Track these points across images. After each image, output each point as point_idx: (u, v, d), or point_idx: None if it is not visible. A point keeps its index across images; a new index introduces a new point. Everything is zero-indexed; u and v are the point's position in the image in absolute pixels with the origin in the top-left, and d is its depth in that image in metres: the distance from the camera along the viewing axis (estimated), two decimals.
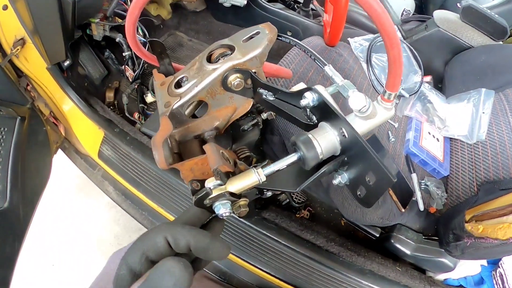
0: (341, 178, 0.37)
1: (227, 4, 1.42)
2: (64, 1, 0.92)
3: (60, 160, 1.25)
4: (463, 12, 1.19)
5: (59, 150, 1.23)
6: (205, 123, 0.50)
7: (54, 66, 1.06)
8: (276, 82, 0.86)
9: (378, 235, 0.95)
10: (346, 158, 0.36)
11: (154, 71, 0.59)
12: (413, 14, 1.73)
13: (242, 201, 0.37)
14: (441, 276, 0.90)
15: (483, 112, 1.03)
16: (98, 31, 1.22)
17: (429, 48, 1.27)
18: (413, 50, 1.21)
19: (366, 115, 0.41)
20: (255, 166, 0.41)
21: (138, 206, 0.98)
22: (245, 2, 1.39)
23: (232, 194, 0.35)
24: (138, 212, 0.98)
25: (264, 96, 0.45)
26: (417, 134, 1.03)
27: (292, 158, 0.36)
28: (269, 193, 0.39)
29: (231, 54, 0.46)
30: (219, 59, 0.48)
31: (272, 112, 0.58)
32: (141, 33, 1.23)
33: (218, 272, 0.85)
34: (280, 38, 0.53)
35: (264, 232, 0.82)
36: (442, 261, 0.84)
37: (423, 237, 0.88)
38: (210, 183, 0.35)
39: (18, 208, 0.90)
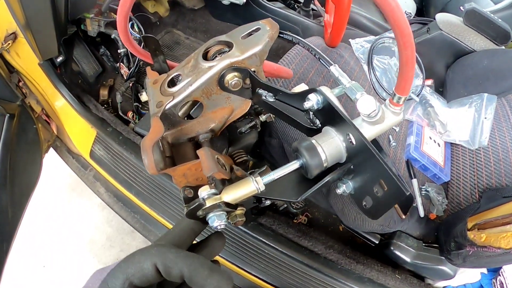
0: (346, 187, 0.35)
1: (225, 2, 1.39)
2: None
3: (52, 159, 1.22)
4: (466, 16, 1.18)
5: (51, 149, 1.20)
6: (200, 125, 0.47)
7: (46, 62, 1.03)
8: (275, 82, 0.83)
9: (377, 242, 0.92)
10: (352, 166, 0.33)
11: (148, 69, 0.56)
12: (414, 17, 1.71)
13: (239, 211, 0.34)
14: (440, 284, 0.89)
15: (485, 118, 1.01)
16: (92, 26, 1.19)
17: (431, 51, 1.25)
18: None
19: (374, 120, 0.38)
20: (252, 172, 0.39)
21: (130, 208, 0.95)
22: (244, 0, 1.36)
23: (227, 204, 0.32)
24: (130, 215, 0.95)
25: (263, 97, 0.42)
26: (418, 139, 1.01)
27: (293, 165, 0.33)
28: (268, 202, 0.37)
29: (229, 51, 0.43)
30: (216, 56, 0.45)
31: (271, 114, 0.55)
32: (137, 30, 1.19)
33: None
34: (282, 36, 0.50)
35: (261, 238, 0.79)
36: (442, 269, 0.83)
37: (423, 244, 0.87)
38: (204, 192, 0.32)
39: (6, 208, 0.87)
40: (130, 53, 1.25)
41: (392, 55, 1.18)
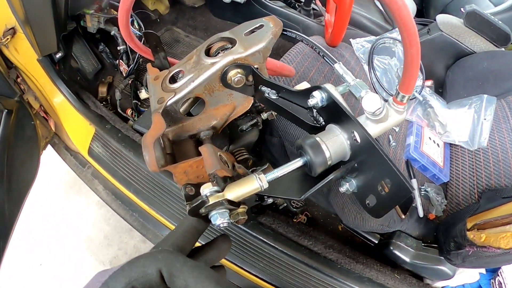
0: (349, 186, 0.34)
1: (226, 0, 1.38)
2: None
3: (50, 156, 1.21)
4: (467, 17, 1.18)
5: (49, 146, 1.19)
6: (201, 122, 0.47)
7: (45, 57, 1.02)
8: (277, 80, 0.83)
9: (377, 242, 0.92)
10: (355, 164, 0.32)
11: (148, 65, 0.56)
12: (414, 18, 1.71)
13: (241, 209, 0.33)
14: (439, 284, 0.89)
15: (485, 119, 1.02)
16: (92, 23, 1.18)
17: (431, 52, 1.25)
18: None
19: (379, 118, 0.38)
20: (253, 170, 0.38)
21: (128, 206, 0.94)
22: None
23: (230, 202, 0.31)
24: (128, 213, 0.94)
25: (266, 95, 0.42)
26: (418, 139, 1.01)
27: (297, 163, 0.33)
28: (270, 200, 0.36)
29: (232, 47, 0.42)
30: (219, 52, 0.44)
31: (273, 112, 0.55)
32: (137, 27, 1.18)
33: None
34: (285, 33, 0.49)
35: (260, 237, 0.79)
36: (442, 269, 0.83)
37: (423, 244, 0.87)
38: (206, 189, 0.31)
39: (3, 205, 0.86)
40: (130, 50, 1.24)
41: (392, 56, 1.18)
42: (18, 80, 1.08)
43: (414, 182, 0.92)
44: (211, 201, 0.30)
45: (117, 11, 1.16)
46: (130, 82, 1.24)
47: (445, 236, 0.82)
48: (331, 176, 0.32)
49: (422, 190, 0.93)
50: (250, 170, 0.41)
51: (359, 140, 0.31)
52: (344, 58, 1.08)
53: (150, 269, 0.27)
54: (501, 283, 0.87)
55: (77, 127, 1.09)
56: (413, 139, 1.00)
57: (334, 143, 0.32)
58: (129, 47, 1.20)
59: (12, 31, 0.97)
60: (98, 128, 1.00)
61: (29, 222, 1.42)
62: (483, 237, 0.73)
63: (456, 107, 1.09)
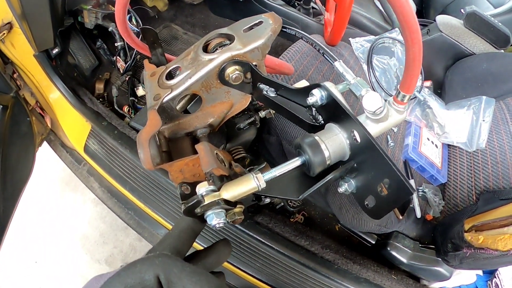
0: (348, 186, 0.34)
1: None
2: None
3: (46, 152, 1.20)
4: (467, 18, 1.18)
5: (45, 143, 1.18)
6: (198, 120, 0.46)
7: (41, 53, 1.01)
8: (275, 78, 0.82)
9: (374, 242, 0.92)
10: (355, 164, 0.32)
11: (145, 61, 0.55)
12: None
13: (238, 209, 0.32)
14: (436, 285, 0.89)
15: (483, 120, 1.01)
16: (90, 18, 1.16)
17: (430, 53, 1.25)
18: None
19: (379, 117, 0.37)
20: (251, 169, 0.37)
21: (124, 204, 0.94)
22: None
23: (226, 201, 0.30)
24: (124, 211, 0.93)
25: (264, 92, 0.41)
26: (416, 140, 1.01)
27: (295, 162, 0.32)
28: (267, 200, 0.35)
29: (230, 44, 0.42)
30: (217, 49, 0.43)
31: (271, 111, 0.54)
32: (134, 23, 1.17)
33: None
34: (285, 30, 0.49)
35: (257, 237, 0.78)
36: (439, 270, 0.83)
37: (420, 245, 0.87)
38: (202, 188, 0.30)
39: None
40: (127, 46, 1.22)
41: (391, 56, 1.18)
42: (14, 75, 1.07)
43: (412, 183, 0.92)
44: (207, 200, 0.30)
45: (114, 7, 1.15)
46: (127, 78, 1.23)
47: (443, 237, 0.81)
48: (330, 176, 0.32)
49: (420, 191, 0.93)
50: (247, 169, 0.40)
51: (359, 140, 0.30)
52: (343, 57, 1.07)
53: (147, 274, 0.26)
54: (497, 285, 0.87)
55: (73, 124, 1.07)
56: (412, 139, 1.00)
57: (334, 142, 0.31)
58: (127, 43, 1.19)
59: (9, 26, 0.96)
60: (94, 125, 0.99)
61: (24, 219, 1.40)
62: (480, 238, 0.72)
63: (455, 108, 1.09)
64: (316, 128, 0.36)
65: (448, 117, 1.08)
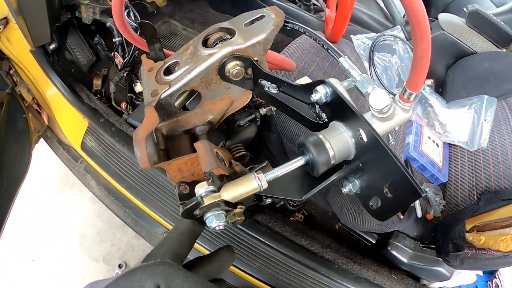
0: (352, 186, 0.32)
1: None
2: None
3: (42, 150, 1.18)
4: (469, 17, 1.17)
5: (42, 139, 1.16)
6: (197, 117, 0.44)
7: (38, 48, 0.99)
8: (277, 74, 0.81)
9: (374, 242, 0.91)
10: (360, 164, 0.31)
11: (143, 57, 0.53)
12: None
13: (238, 209, 0.31)
14: (436, 285, 0.88)
15: (485, 120, 1.01)
16: (87, 13, 1.14)
17: (432, 51, 1.23)
18: None
19: (386, 116, 0.36)
20: (251, 168, 0.36)
21: (121, 202, 0.92)
22: None
23: (227, 203, 0.29)
24: (121, 209, 0.92)
25: (266, 89, 0.40)
26: (417, 138, 1.00)
27: (298, 162, 0.31)
28: (269, 200, 0.34)
29: (231, 38, 0.40)
30: (217, 43, 0.42)
31: (272, 108, 0.52)
32: (133, 18, 1.15)
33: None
34: (287, 25, 0.47)
35: (256, 236, 0.77)
36: (439, 270, 0.83)
37: (420, 245, 0.86)
38: (201, 189, 0.29)
39: None
40: (126, 42, 1.20)
41: (393, 53, 1.16)
42: (11, 71, 1.06)
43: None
44: (206, 202, 0.28)
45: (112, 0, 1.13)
46: (125, 74, 1.21)
47: (444, 237, 0.81)
48: (334, 177, 0.30)
49: None
50: (248, 168, 0.39)
51: (365, 139, 0.29)
52: (345, 54, 1.06)
53: (147, 284, 0.25)
54: (498, 285, 0.87)
55: (70, 121, 1.06)
56: (413, 138, 0.99)
57: (338, 141, 0.30)
58: (125, 39, 1.17)
59: (5, 21, 0.94)
60: (91, 121, 0.97)
61: (20, 218, 1.39)
62: (482, 239, 0.72)
63: (456, 107, 1.08)
64: (320, 126, 0.35)
65: (449, 116, 1.07)
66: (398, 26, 1.23)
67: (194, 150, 0.36)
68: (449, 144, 1.05)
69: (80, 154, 1.04)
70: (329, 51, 0.46)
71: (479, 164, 0.93)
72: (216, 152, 0.34)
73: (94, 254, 1.35)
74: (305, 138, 0.30)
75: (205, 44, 0.43)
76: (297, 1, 1.47)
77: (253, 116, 0.54)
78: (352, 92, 0.41)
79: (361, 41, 1.16)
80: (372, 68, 1.09)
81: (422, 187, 0.92)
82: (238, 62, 0.39)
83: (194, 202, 0.28)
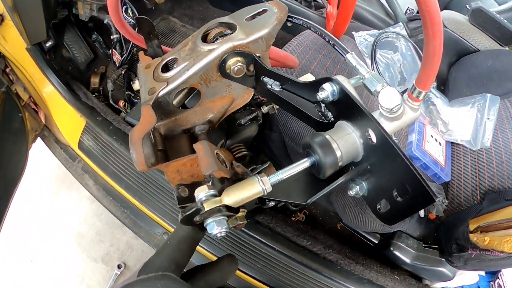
0: (359, 189, 0.31)
1: None
2: None
3: (40, 149, 1.16)
4: (473, 14, 1.16)
5: (38, 139, 1.14)
6: (197, 116, 0.43)
7: (34, 46, 0.98)
8: (280, 71, 0.79)
9: (377, 242, 0.90)
10: (368, 166, 0.29)
11: (141, 53, 0.51)
12: (417, 13, 1.68)
13: (240, 213, 0.30)
14: (438, 285, 0.87)
15: (488, 118, 0.99)
16: (84, 10, 1.12)
17: None
18: (418, 49, 1.16)
19: (395, 115, 0.34)
20: (253, 169, 0.34)
21: (120, 203, 0.91)
22: None
23: (228, 207, 0.27)
24: (119, 210, 0.90)
25: (268, 86, 0.38)
26: (420, 137, 0.99)
27: (304, 164, 0.29)
28: (272, 203, 0.33)
29: (232, 33, 0.38)
30: (217, 39, 0.40)
31: (274, 106, 0.51)
32: (131, 14, 1.13)
33: None
34: (291, 19, 0.45)
35: (258, 237, 0.76)
36: (442, 270, 0.82)
37: (423, 245, 0.85)
38: (201, 193, 0.27)
39: None
40: (123, 39, 1.19)
41: (395, 50, 1.15)
42: (7, 70, 1.04)
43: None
44: (207, 207, 0.26)
45: None
46: (123, 72, 1.20)
47: (447, 237, 0.80)
48: (341, 179, 0.29)
49: None
50: (250, 169, 0.37)
51: (374, 140, 0.27)
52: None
53: None
54: (500, 286, 0.86)
55: (67, 119, 1.04)
56: (416, 136, 0.98)
57: (346, 142, 0.28)
58: (123, 36, 1.15)
59: (0, 18, 0.92)
60: (89, 120, 0.96)
61: (18, 218, 1.38)
62: (486, 240, 0.71)
63: (459, 105, 1.07)
64: (325, 125, 0.33)
65: (452, 114, 1.05)
66: (400, 23, 1.22)
67: (193, 151, 0.34)
68: (452, 143, 1.04)
69: (78, 154, 1.02)
70: (335, 47, 0.45)
71: (482, 163, 0.92)
72: (216, 153, 0.32)
73: (93, 254, 1.34)
74: (311, 139, 0.29)
75: (204, 39, 0.41)
76: None
77: (254, 114, 0.52)
78: (357, 90, 0.40)
79: (363, 38, 1.14)
80: (374, 65, 1.08)
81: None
82: (239, 58, 0.38)
83: (194, 209, 0.26)
